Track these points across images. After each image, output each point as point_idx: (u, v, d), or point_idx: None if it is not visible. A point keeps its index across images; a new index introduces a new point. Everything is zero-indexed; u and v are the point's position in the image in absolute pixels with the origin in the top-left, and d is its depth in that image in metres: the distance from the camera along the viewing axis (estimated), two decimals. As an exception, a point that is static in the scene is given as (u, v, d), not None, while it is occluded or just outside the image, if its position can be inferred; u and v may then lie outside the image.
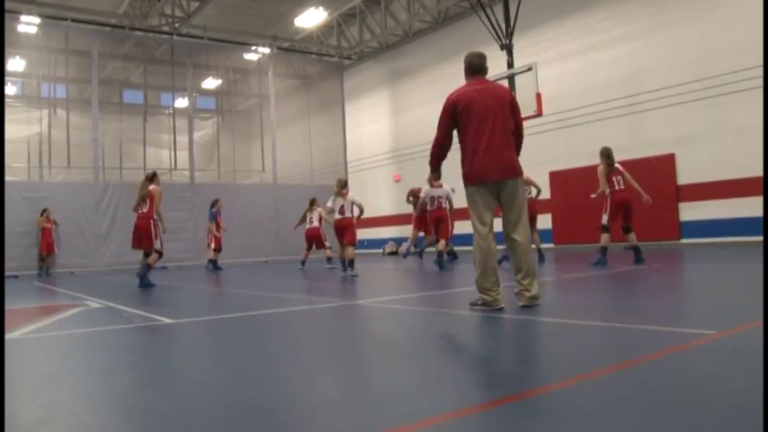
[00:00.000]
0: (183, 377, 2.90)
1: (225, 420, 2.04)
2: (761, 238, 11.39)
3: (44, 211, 15.42)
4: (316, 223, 12.75)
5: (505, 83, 13.69)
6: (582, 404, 2.04)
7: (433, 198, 10.75)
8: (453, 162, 4.67)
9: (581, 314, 4.21)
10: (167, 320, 4.93)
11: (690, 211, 13.67)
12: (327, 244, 12.74)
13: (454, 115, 4.55)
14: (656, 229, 13.74)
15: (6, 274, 13.73)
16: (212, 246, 14.40)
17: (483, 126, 4.44)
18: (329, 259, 12.79)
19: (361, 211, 9.88)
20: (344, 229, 9.64)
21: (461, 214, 12.00)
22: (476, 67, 4.69)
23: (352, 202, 9.71)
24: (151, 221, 8.87)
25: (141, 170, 19.26)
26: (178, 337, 4.26)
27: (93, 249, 16.48)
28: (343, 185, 9.82)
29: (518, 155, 4.63)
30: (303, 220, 12.97)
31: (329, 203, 9.92)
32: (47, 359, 3.52)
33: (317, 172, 21.30)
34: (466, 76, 4.74)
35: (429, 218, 10.97)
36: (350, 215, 9.65)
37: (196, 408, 2.28)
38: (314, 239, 12.73)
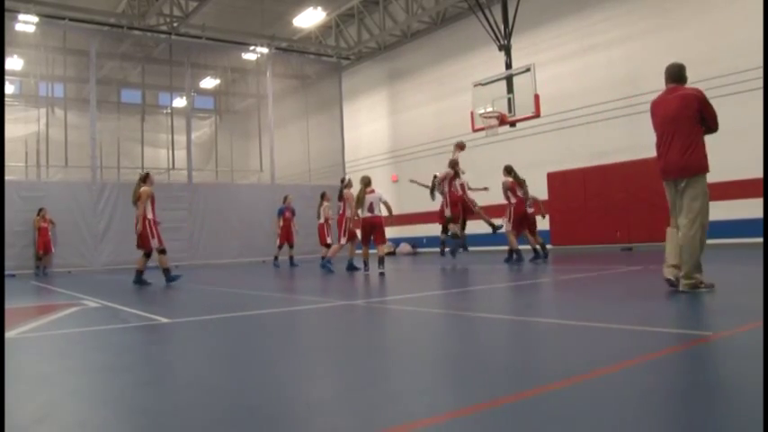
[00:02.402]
0: (180, 376, 2.89)
1: (221, 420, 2.04)
2: (759, 240, 11.40)
3: (40, 210, 15.39)
4: (321, 220, 13.18)
5: (503, 84, 13.71)
6: (580, 405, 2.04)
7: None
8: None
9: (579, 315, 4.21)
10: (164, 320, 4.93)
11: (687, 213, 13.66)
12: (329, 241, 12.83)
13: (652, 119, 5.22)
14: (654, 231, 13.74)
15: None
16: (289, 242, 14.40)
17: (662, 130, 5.14)
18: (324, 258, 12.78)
19: (389, 210, 10.03)
20: (375, 228, 9.82)
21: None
22: (669, 75, 5.32)
23: (380, 200, 9.87)
24: (146, 222, 8.83)
25: (139, 170, 19.28)
26: (175, 337, 4.25)
27: (90, 249, 16.46)
28: (367, 183, 9.96)
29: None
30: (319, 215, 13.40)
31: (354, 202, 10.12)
32: (44, 358, 3.51)
33: (314, 172, 21.29)
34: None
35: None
36: (379, 213, 9.81)
37: (193, 407, 2.27)
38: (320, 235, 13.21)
